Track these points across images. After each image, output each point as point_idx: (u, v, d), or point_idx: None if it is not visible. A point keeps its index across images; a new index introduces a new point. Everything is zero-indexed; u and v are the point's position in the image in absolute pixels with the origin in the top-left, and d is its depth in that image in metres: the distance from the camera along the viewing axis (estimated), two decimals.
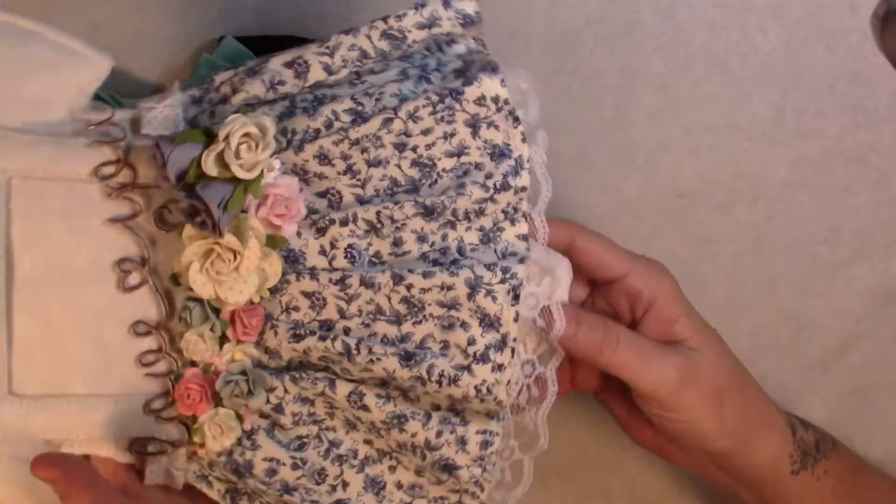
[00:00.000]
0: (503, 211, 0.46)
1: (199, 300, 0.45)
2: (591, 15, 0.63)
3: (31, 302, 0.44)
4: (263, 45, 0.60)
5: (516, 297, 0.45)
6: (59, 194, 0.44)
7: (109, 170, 0.45)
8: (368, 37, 0.46)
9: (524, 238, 0.46)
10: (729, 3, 0.63)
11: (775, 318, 0.66)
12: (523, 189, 0.46)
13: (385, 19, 0.46)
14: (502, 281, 0.45)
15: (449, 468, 0.46)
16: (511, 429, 0.50)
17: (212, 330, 0.45)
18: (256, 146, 0.43)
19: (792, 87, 0.64)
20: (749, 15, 0.63)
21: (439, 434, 0.46)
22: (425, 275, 0.44)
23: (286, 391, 0.46)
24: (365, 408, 0.46)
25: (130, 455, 0.46)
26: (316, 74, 0.46)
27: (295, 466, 0.46)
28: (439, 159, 0.45)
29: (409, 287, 0.44)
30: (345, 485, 0.47)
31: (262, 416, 0.47)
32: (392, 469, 0.48)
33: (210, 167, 0.42)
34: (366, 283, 0.44)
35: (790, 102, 0.64)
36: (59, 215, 0.44)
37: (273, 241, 0.45)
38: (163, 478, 0.47)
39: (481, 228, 0.46)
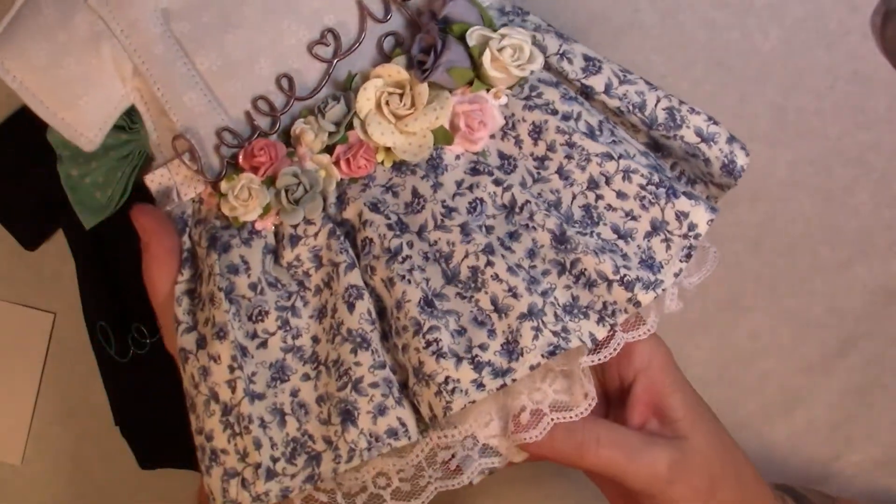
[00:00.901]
0: (605, 304, 0.44)
1: (349, 106, 0.45)
2: (592, 15, 0.63)
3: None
4: None
5: (552, 354, 0.43)
6: None
7: None
8: (657, 99, 0.46)
9: (594, 341, 0.44)
10: (729, 3, 0.63)
11: (775, 318, 0.66)
12: (637, 305, 0.44)
13: (682, 101, 0.46)
14: (555, 334, 0.43)
15: (348, 416, 0.44)
16: (414, 467, 0.47)
17: (330, 135, 0.45)
18: (516, 60, 0.45)
19: (792, 87, 0.64)
20: (749, 15, 0.63)
21: (374, 385, 0.44)
22: (509, 269, 0.43)
23: (315, 236, 0.45)
24: (351, 307, 0.44)
25: (174, 142, 0.46)
26: (597, 82, 0.46)
27: (253, 287, 0.45)
28: (605, 224, 0.45)
29: (489, 264, 0.43)
30: (263, 344, 0.45)
31: (275, 234, 0.46)
32: (305, 377, 0.46)
33: (473, 39, 0.45)
34: (464, 231, 0.44)
35: (790, 102, 0.64)
36: None
37: (441, 133, 0.45)
38: (161, 190, 0.48)
39: (574, 299, 0.44)
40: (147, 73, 0.46)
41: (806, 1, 0.63)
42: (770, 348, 0.66)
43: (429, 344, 0.43)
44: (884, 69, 0.63)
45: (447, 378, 0.43)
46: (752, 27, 0.63)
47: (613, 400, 0.51)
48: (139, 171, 0.61)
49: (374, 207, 0.45)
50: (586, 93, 0.47)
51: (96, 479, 0.65)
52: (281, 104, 0.46)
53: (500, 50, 0.45)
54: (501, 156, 0.46)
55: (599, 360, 0.45)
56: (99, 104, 0.46)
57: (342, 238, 0.45)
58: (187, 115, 0.46)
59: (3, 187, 0.61)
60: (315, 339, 0.46)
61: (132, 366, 0.61)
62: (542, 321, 0.43)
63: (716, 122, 0.47)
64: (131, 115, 0.59)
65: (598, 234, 0.45)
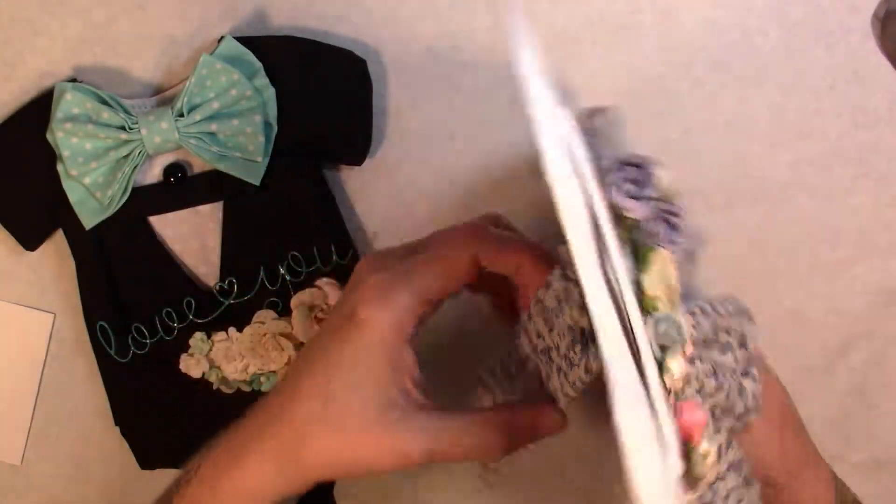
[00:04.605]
0: None
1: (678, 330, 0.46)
2: (591, 15, 0.63)
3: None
4: (263, 45, 0.60)
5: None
6: None
7: None
8: None
9: None
10: (729, 3, 0.63)
11: (775, 318, 0.66)
12: None
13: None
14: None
15: None
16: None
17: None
18: None
19: (792, 87, 0.64)
20: (749, 15, 0.63)
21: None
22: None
23: None
24: None
25: None
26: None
27: None
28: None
29: None
30: None
31: None
32: None
33: None
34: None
35: (790, 102, 0.64)
36: None
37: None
38: None
39: None
40: None
41: (806, 1, 0.63)
42: (770, 348, 0.66)
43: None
44: (884, 69, 0.63)
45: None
46: (752, 27, 0.63)
47: None
48: (139, 171, 0.61)
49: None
50: None
51: (96, 479, 0.65)
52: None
53: None
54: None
55: None
56: None
57: None
58: None
59: (3, 187, 0.61)
60: None
61: (132, 366, 0.61)
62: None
63: None
64: (131, 114, 0.59)
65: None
